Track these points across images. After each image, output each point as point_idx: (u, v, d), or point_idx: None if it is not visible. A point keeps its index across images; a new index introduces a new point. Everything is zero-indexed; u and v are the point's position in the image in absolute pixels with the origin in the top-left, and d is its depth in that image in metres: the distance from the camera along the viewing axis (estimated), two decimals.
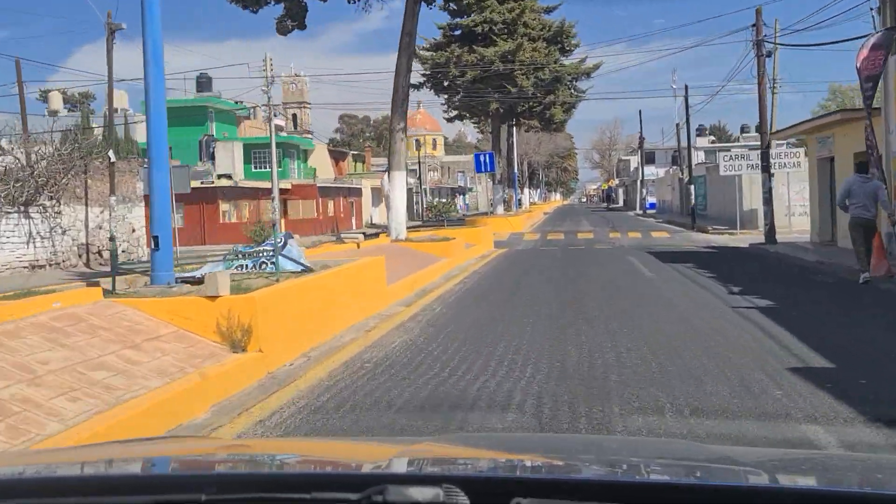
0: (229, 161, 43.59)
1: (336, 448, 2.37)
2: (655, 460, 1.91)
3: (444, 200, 52.93)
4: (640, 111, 62.05)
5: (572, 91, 39.73)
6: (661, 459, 1.94)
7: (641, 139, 63.82)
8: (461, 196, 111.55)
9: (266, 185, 44.62)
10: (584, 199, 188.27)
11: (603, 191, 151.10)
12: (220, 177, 40.16)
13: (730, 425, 5.46)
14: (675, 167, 56.72)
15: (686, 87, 36.81)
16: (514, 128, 47.92)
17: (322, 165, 60.93)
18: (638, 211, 70.41)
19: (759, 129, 29.36)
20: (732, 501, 1.39)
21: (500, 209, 38.03)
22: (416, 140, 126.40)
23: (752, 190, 32.81)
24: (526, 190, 64.76)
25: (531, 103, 37.13)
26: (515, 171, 51.98)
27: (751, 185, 32.79)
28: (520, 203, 59.09)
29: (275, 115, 66.69)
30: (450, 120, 39.72)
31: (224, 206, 37.21)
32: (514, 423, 5.56)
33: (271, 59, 34.31)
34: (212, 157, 43.46)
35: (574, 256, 22.47)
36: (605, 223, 45.50)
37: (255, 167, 54.65)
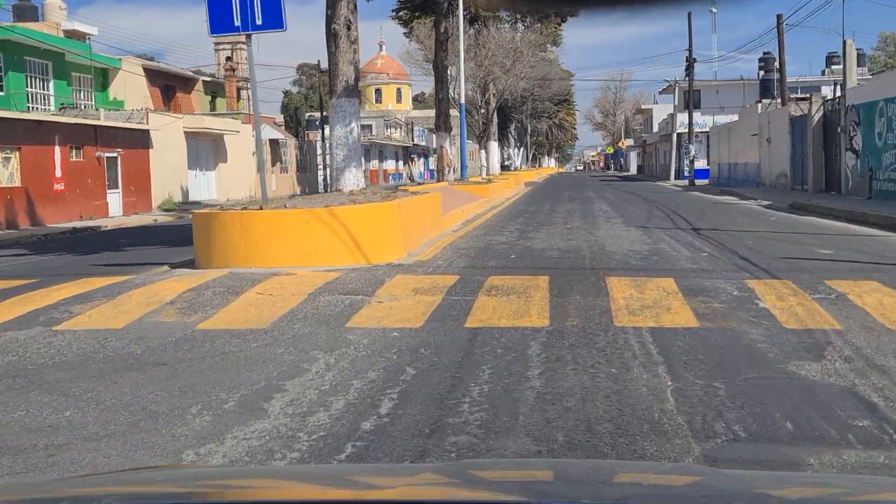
0: None
1: (343, 476, 2.16)
2: (672, 487, 1.88)
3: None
4: (689, 13, 36.85)
5: None
6: (679, 486, 1.89)
7: (691, 60, 37.20)
8: (422, 159, 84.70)
9: None
10: (582, 168, 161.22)
11: (607, 156, 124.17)
12: None
13: None
14: (767, 101, 30.25)
15: None
16: None
17: (139, 97, 34.43)
18: (675, 181, 44.23)
19: None
20: None
21: (351, 179, 11.90)
22: (376, 90, 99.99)
23: None
24: (494, 146, 38.13)
25: None
26: (462, 100, 25.43)
27: None
28: (475, 169, 33.05)
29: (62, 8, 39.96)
30: None
31: None
32: None
33: None
34: None
35: None
36: (658, 213, 19.26)
37: None
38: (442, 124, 23.30)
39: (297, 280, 8.44)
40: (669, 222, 15.94)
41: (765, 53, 54.43)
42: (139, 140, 25.07)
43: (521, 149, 66.51)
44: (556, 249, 11.06)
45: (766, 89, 30.95)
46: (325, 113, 72.15)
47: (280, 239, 9.13)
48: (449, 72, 30.14)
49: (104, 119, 23.62)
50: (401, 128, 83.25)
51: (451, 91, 25.96)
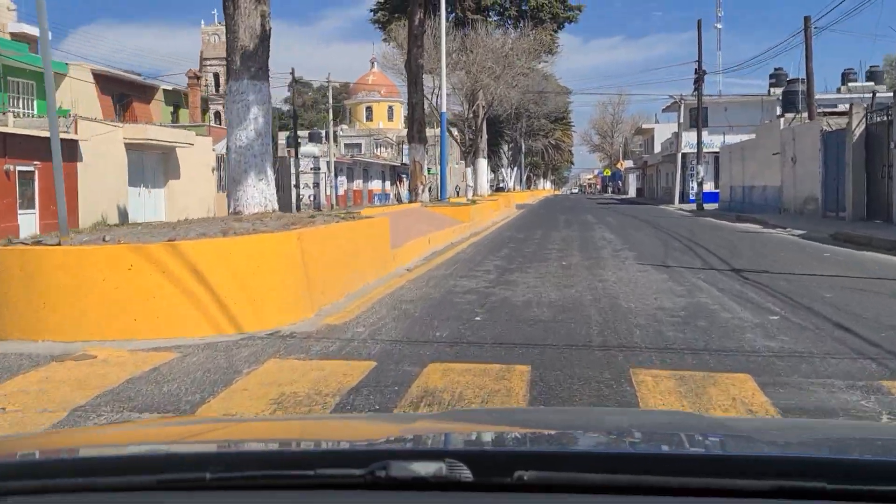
0: None
1: (337, 425, 2.19)
2: (659, 431, 1.84)
3: None
4: (699, 21, 34.05)
5: None
6: (666, 430, 1.86)
7: (700, 72, 33.77)
8: (407, 179, 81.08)
9: None
10: (577, 190, 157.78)
11: (604, 179, 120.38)
12: None
13: None
14: (791, 115, 26.77)
15: None
16: None
17: (89, 107, 30.86)
18: (681, 205, 40.76)
19: None
20: (738, 471, 1.31)
21: (254, 196, 8.42)
22: (367, 107, 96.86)
23: None
24: (482, 164, 34.56)
25: None
26: (444, 108, 21.90)
27: None
28: (462, 190, 29.59)
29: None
30: None
31: None
32: None
33: None
34: None
35: None
36: (675, 244, 15.62)
37: None
38: (416, 134, 19.67)
39: (86, 372, 4.79)
40: (696, 258, 12.31)
41: (776, 69, 51.22)
42: (64, 152, 21.38)
43: (515, 169, 63.00)
44: (547, 305, 7.40)
45: (789, 103, 27.47)
46: (311, 131, 68.78)
47: (85, 295, 5.48)
48: (432, 79, 26.74)
49: (13, 126, 20.00)
50: (391, 147, 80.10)
51: (430, 95, 22.44)
